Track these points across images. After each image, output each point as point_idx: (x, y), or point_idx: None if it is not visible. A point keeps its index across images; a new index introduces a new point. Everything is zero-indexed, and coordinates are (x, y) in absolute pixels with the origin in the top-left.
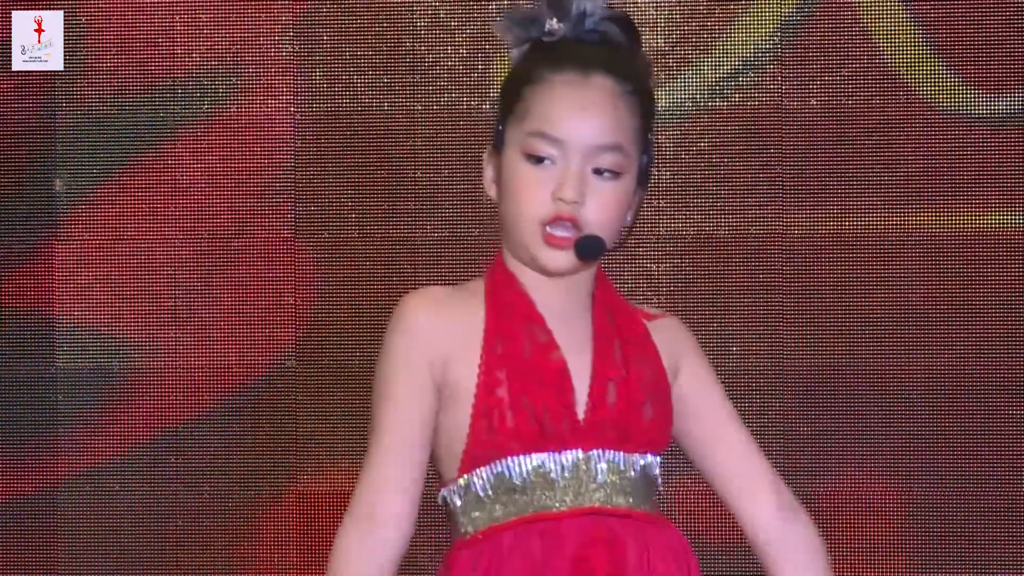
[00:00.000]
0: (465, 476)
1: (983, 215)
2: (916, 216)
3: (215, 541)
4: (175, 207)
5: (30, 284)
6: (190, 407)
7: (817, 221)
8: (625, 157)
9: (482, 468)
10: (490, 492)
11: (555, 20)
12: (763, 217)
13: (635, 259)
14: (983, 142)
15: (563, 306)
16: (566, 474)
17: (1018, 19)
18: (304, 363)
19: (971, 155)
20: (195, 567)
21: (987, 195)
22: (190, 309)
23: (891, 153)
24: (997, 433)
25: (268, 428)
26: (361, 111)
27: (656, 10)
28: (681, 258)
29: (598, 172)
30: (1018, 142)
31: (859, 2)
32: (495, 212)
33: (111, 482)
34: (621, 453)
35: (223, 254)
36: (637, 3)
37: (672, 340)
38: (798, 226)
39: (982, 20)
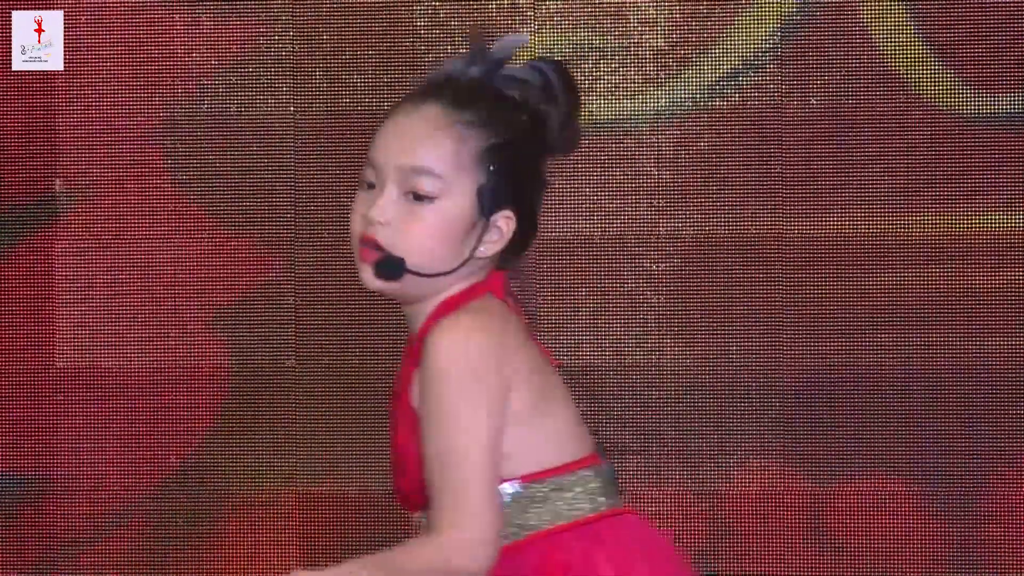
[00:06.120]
0: None
1: (983, 215)
2: (916, 216)
3: (215, 541)
4: (175, 207)
5: (30, 283)
6: (190, 407)
7: (817, 221)
8: (440, 181)
9: None
10: None
11: (474, 67)
12: (763, 217)
13: (635, 259)
14: (983, 142)
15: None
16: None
17: (1018, 19)
18: (304, 363)
19: (971, 155)
20: (195, 567)
21: (987, 195)
22: (190, 309)
23: (891, 153)
24: (998, 433)
25: (268, 428)
26: (361, 111)
27: (656, 9)
28: (681, 258)
29: (417, 197)
30: (1018, 142)
31: (859, 2)
32: None
33: (111, 482)
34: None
35: (223, 253)
36: (637, 2)
37: (424, 357)
38: (798, 226)
39: (982, 20)
